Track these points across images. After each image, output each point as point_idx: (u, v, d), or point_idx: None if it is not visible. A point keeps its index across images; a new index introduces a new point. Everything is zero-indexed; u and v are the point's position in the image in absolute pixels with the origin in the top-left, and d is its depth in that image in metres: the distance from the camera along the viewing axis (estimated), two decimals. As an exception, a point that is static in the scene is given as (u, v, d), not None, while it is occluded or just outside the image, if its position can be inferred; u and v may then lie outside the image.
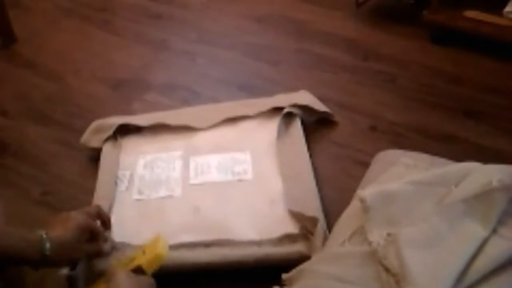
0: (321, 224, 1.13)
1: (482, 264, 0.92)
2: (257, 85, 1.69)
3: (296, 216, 1.17)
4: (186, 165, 1.36)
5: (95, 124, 1.49)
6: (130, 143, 1.45)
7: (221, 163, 1.34)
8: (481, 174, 1.04)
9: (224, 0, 2.18)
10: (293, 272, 1.03)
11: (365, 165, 1.28)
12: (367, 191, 1.08)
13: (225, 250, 1.13)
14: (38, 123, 1.60)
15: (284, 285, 1.03)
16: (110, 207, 1.26)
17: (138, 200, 1.29)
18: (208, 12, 2.12)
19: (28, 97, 1.71)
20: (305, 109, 1.47)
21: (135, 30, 2.04)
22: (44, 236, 0.94)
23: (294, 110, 1.45)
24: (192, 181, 1.32)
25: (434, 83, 1.65)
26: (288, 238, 1.13)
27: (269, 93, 1.65)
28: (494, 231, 0.97)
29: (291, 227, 1.16)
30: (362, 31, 1.93)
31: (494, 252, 0.93)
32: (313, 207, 1.18)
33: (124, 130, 1.47)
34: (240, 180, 1.30)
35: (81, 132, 1.54)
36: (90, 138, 1.47)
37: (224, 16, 2.09)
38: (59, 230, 0.98)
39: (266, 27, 2.00)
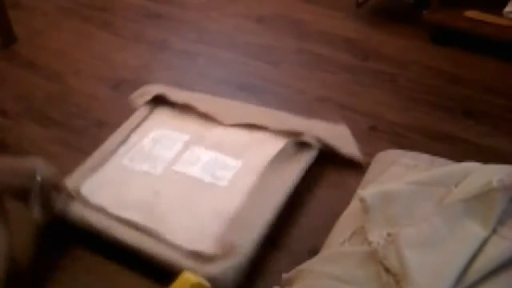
0: (237, 261, 1.09)
1: (482, 264, 0.92)
2: (257, 85, 1.69)
3: (221, 238, 1.15)
4: (183, 151, 1.39)
5: (145, 87, 1.59)
6: (159, 113, 1.53)
7: (210, 162, 1.35)
8: (481, 174, 1.04)
9: (224, 0, 2.18)
10: (293, 272, 1.03)
11: (365, 165, 1.28)
12: (367, 191, 1.08)
13: (150, 242, 1.15)
14: (38, 123, 1.60)
15: (284, 285, 1.03)
16: (100, 164, 1.36)
17: (124, 166, 1.36)
18: (208, 12, 2.12)
19: (28, 97, 1.71)
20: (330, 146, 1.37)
21: (135, 30, 2.04)
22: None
23: (314, 142, 1.35)
24: (175, 167, 1.35)
25: (434, 83, 1.65)
26: (201, 255, 1.11)
27: (269, 93, 1.65)
28: (494, 231, 0.97)
29: (212, 247, 1.12)
30: (362, 31, 1.93)
31: (494, 252, 0.93)
32: (243, 238, 1.13)
33: (163, 100, 1.54)
34: (213, 184, 1.29)
35: (81, 132, 1.54)
36: (135, 98, 1.57)
37: (224, 16, 2.09)
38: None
39: (266, 27, 2.00)
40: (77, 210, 1.23)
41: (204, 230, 1.18)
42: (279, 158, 1.31)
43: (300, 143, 1.35)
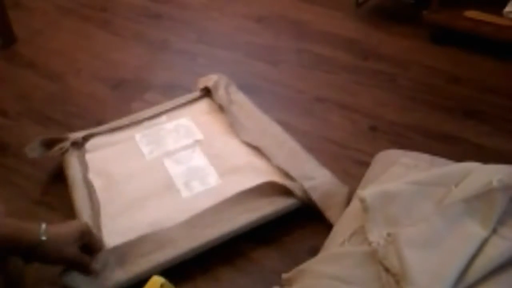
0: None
1: (482, 264, 0.92)
2: (257, 85, 1.69)
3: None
4: (186, 148, 1.40)
5: (210, 75, 1.62)
6: (202, 103, 1.57)
7: (195, 168, 1.33)
8: (481, 174, 1.04)
9: (224, 0, 2.19)
10: (293, 272, 1.03)
11: (365, 165, 1.28)
12: (367, 191, 1.08)
13: (89, 217, 1.19)
14: (38, 123, 1.60)
15: (284, 285, 1.03)
16: (118, 128, 1.47)
17: (133, 140, 1.43)
18: (208, 12, 2.12)
19: (28, 97, 1.71)
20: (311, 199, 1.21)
21: (135, 30, 2.04)
22: (43, 225, 0.96)
23: (297, 192, 1.20)
24: (165, 160, 1.36)
25: (434, 83, 1.65)
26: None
27: (269, 93, 1.65)
28: (494, 231, 0.97)
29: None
30: (362, 31, 1.93)
31: (494, 252, 0.93)
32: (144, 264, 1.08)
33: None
34: (177, 192, 1.26)
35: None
36: (200, 82, 1.60)
37: (224, 16, 2.09)
38: (58, 225, 1.00)
39: (266, 27, 2.00)
40: (69, 157, 1.35)
41: (132, 233, 1.13)
42: (248, 194, 1.20)
43: (285, 188, 1.21)
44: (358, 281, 0.94)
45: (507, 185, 0.98)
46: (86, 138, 1.43)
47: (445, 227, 0.97)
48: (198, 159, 1.36)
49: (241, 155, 1.37)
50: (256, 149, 1.36)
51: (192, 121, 1.49)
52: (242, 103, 1.53)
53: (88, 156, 1.38)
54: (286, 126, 1.47)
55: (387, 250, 0.96)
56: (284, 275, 1.04)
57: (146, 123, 1.49)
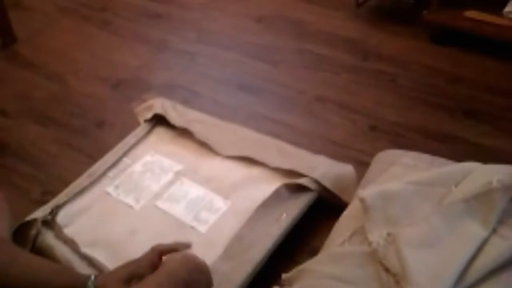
0: None
1: (482, 264, 0.92)
2: (257, 85, 1.69)
3: None
4: (171, 183, 1.29)
5: (150, 102, 1.49)
6: (158, 133, 1.44)
7: (196, 199, 1.24)
8: (481, 174, 1.04)
9: (224, 0, 2.19)
10: (293, 272, 1.03)
11: (365, 165, 1.28)
12: (367, 191, 1.08)
13: None
14: (38, 123, 1.60)
15: (284, 285, 1.03)
16: (85, 188, 1.27)
17: (108, 195, 1.27)
18: (208, 12, 2.12)
19: (28, 97, 1.71)
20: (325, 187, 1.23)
21: (135, 30, 2.04)
22: (92, 277, 0.95)
23: (313, 186, 1.21)
24: (158, 203, 1.25)
25: (434, 83, 1.65)
26: None
27: (269, 93, 1.65)
28: (494, 231, 0.97)
29: None
30: (362, 31, 1.93)
31: (494, 252, 0.93)
32: None
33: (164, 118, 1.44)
34: (192, 228, 1.17)
35: (81, 132, 1.55)
36: (139, 113, 1.49)
37: (224, 16, 2.09)
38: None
39: (266, 27, 2.00)
40: (48, 239, 1.17)
41: None
42: (269, 203, 1.17)
43: (298, 186, 1.20)
44: (358, 281, 0.94)
45: (507, 185, 0.98)
46: (53, 212, 1.22)
47: (445, 227, 0.97)
48: (192, 189, 1.26)
49: (234, 170, 1.30)
50: (246, 159, 1.30)
51: (158, 154, 1.37)
52: (201, 118, 1.44)
53: (68, 231, 1.18)
54: (286, 126, 1.48)
55: (387, 250, 0.96)
56: (284, 275, 1.04)
57: (110, 173, 1.33)
